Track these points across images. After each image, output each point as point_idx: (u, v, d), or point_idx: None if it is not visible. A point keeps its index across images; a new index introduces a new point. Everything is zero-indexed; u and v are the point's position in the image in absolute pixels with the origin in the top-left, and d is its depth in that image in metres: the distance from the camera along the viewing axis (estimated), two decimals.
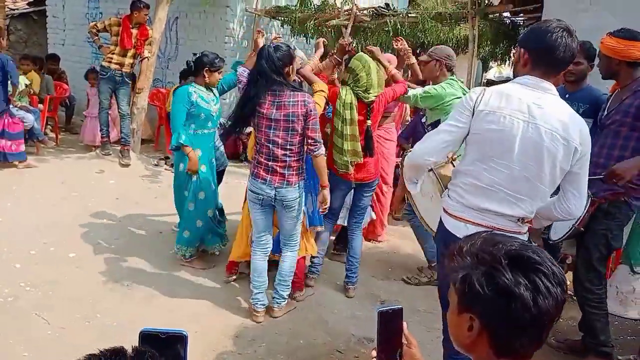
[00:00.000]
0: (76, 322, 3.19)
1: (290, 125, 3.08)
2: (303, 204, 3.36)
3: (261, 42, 3.72)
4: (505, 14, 6.72)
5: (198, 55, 3.88)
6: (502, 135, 2.02)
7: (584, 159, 2.07)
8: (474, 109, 2.07)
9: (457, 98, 3.49)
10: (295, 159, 3.18)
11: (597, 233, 2.86)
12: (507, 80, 4.94)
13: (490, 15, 6.35)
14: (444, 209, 2.26)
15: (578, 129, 2.02)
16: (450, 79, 3.72)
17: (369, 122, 3.55)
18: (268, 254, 3.44)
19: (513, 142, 2.01)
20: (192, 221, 3.95)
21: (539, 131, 1.99)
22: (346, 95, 3.48)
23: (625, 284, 3.69)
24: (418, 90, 3.68)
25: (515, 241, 1.11)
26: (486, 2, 6.34)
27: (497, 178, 2.07)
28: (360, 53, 3.66)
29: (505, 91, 2.08)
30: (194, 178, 3.86)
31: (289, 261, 3.40)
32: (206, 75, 3.83)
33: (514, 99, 2.03)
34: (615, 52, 2.83)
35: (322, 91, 3.41)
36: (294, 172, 3.19)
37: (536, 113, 1.99)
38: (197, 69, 3.85)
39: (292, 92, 3.08)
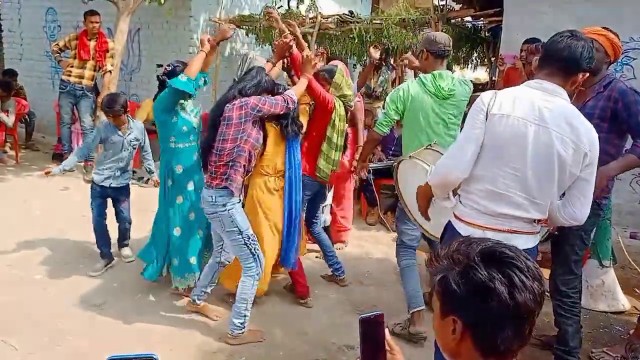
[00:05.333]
0: (45, 346, 3.06)
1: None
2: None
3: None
4: (466, 18, 6.87)
5: (170, 67, 3.62)
6: (515, 139, 2.00)
7: (592, 165, 2.07)
8: (487, 113, 2.04)
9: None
10: (224, 162, 3.03)
11: (574, 234, 2.81)
12: None
13: (453, 20, 6.47)
14: (455, 216, 2.22)
15: (587, 134, 2.03)
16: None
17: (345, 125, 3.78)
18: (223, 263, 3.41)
19: (526, 146, 2.00)
20: (180, 247, 3.66)
21: (550, 135, 1.99)
22: (340, 107, 3.61)
23: (594, 277, 3.78)
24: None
25: (490, 240, 1.13)
26: (448, 7, 6.46)
27: (511, 182, 2.05)
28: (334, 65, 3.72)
29: (517, 95, 2.07)
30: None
31: (240, 287, 3.15)
32: None
33: (525, 103, 2.03)
34: (615, 48, 2.72)
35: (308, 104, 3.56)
36: (219, 176, 3.03)
37: (546, 116, 1.99)
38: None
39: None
